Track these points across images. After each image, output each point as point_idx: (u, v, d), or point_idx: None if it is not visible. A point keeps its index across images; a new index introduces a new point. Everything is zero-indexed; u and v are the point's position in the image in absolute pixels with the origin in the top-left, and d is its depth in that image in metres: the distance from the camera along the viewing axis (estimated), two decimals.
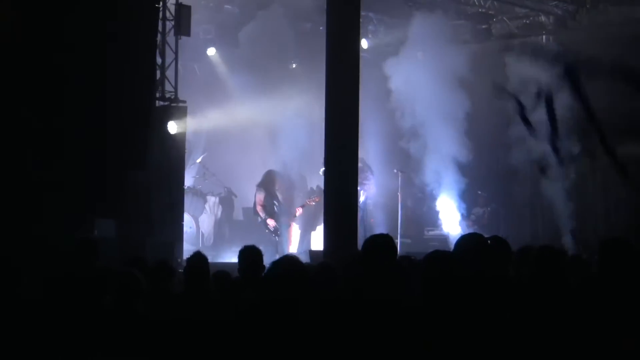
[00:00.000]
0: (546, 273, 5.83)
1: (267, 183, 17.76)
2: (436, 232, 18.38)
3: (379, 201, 18.54)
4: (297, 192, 18.63)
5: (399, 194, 18.21)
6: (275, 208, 17.80)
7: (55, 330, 5.49)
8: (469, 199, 18.16)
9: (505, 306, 5.11)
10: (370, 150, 18.25)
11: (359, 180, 16.21)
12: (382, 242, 5.44)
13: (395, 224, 17.96)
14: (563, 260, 6.11)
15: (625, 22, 17.84)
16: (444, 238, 17.38)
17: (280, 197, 18.01)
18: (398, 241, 17.51)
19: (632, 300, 5.41)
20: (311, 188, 18.90)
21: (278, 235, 17.62)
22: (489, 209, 18.50)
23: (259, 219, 17.74)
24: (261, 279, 4.81)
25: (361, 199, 16.48)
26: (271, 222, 17.60)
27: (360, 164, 16.54)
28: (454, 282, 4.79)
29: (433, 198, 18.28)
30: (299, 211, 18.09)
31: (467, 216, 18.04)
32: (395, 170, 18.30)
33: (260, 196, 17.61)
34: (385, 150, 18.62)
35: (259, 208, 17.65)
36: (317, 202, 17.30)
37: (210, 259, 7.26)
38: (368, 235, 16.07)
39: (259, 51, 17.67)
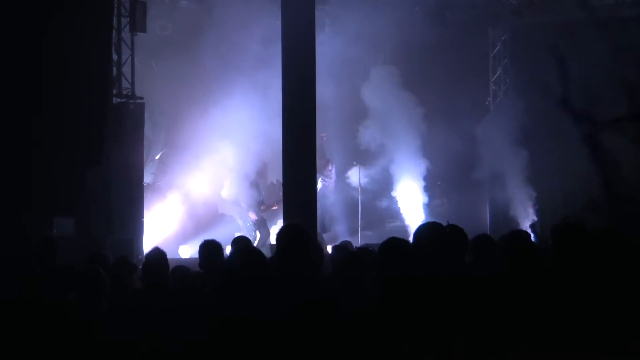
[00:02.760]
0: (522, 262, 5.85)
1: (258, 175, 17.57)
2: (397, 223, 18.41)
3: (340, 194, 18.51)
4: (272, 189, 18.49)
5: (359, 187, 18.21)
6: (260, 201, 17.60)
7: (19, 328, 5.49)
8: (428, 190, 18.22)
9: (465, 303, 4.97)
10: (332, 143, 18.30)
11: (322, 172, 16.70)
12: (290, 232, 5.67)
13: (355, 217, 18.09)
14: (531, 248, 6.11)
15: (580, 9, 18.01)
16: (404, 229, 17.42)
17: (263, 192, 17.84)
18: (359, 233, 17.81)
19: (586, 286, 5.35)
20: (271, 182, 18.76)
21: (256, 229, 17.31)
22: (446, 200, 18.58)
23: (239, 209, 17.49)
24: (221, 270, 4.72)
25: (318, 185, 16.42)
26: (252, 216, 17.37)
27: (324, 159, 16.98)
28: (412, 280, 4.83)
29: (392, 191, 18.29)
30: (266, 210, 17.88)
31: (427, 207, 18.15)
32: (354, 163, 18.33)
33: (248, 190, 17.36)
34: (345, 143, 18.61)
35: (241, 198, 17.44)
36: (277, 195, 17.12)
37: (171, 255, 7.40)
38: (327, 227, 16.45)
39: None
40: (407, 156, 17.84)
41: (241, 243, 8.00)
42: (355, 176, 18.44)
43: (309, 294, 5.04)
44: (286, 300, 4.82)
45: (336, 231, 17.78)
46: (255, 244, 15.66)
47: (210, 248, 7.23)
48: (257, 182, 17.68)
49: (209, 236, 7.87)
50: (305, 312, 4.69)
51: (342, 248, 9.03)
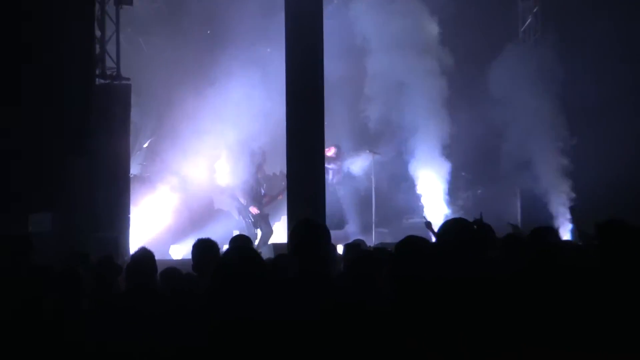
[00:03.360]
0: (541, 259, 5.98)
1: (258, 164, 17.18)
2: (416, 219, 17.51)
3: (349, 186, 18.18)
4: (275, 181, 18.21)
5: (372, 177, 17.60)
6: (262, 194, 17.25)
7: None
8: (452, 181, 17.63)
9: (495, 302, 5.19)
10: (340, 129, 18.03)
11: (333, 161, 16.51)
12: (307, 229, 5.57)
13: (369, 212, 17.55)
14: (556, 244, 6.33)
15: None
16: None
17: (264, 183, 17.48)
18: (372, 231, 17.31)
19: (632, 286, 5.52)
20: (274, 174, 18.44)
21: (258, 226, 17.02)
22: (478, 191, 18.11)
23: (237, 204, 17.18)
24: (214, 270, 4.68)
25: (328, 176, 16.11)
26: (254, 210, 17.08)
27: (334, 150, 16.81)
28: (429, 283, 4.88)
29: (412, 181, 17.68)
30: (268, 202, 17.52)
31: (450, 200, 17.62)
32: (367, 151, 17.70)
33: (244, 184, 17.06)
34: (353, 127, 18.29)
35: (239, 192, 17.17)
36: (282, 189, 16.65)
37: (158, 256, 7.21)
38: (343, 223, 16.03)
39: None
40: (425, 137, 17.31)
41: (240, 243, 7.96)
42: (360, 165, 18.02)
43: (320, 295, 5.13)
44: (294, 302, 4.88)
45: (346, 229, 17.37)
46: (255, 243, 15.77)
47: (204, 248, 7.13)
48: (257, 171, 17.38)
49: (203, 234, 7.82)
50: (314, 314, 4.75)
51: (355, 247, 9.02)
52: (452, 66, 17.41)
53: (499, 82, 17.52)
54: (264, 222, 17.28)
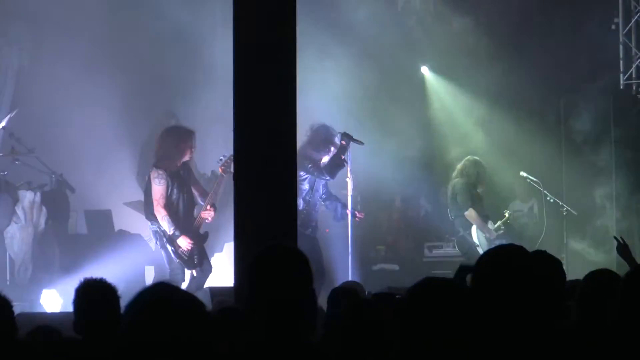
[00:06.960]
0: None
1: (178, 156, 14.34)
2: (448, 249, 16.60)
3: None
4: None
5: (348, 179, 15.20)
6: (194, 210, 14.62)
7: None
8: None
9: None
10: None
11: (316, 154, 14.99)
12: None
13: (367, 237, 16.75)
14: None
15: None
16: (466, 258, 14.70)
17: (197, 190, 14.76)
18: (371, 267, 16.88)
19: None
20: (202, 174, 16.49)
21: (196, 266, 14.45)
22: (535, 202, 16.72)
23: (156, 231, 14.48)
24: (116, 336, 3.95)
25: (304, 187, 14.35)
26: (184, 243, 14.36)
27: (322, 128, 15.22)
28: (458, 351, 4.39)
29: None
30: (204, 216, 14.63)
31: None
32: (338, 134, 15.22)
33: (162, 187, 14.20)
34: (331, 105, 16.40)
35: (158, 210, 14.31)
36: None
37: (24, 307, 8.18)
38: (318, 257, 15.29)
39: None
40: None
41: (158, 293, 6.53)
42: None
43: None
44: None
45: (330, 266, 15.44)
46: (183, 286, 13.73)
47: (94, 295, 6.69)
48: (181, 172, 14.57)
49: (95, 271, 7.31)
50: None
51: (347, 294, 8.70)
52: None
53: None
54: (200, 256, 14.66)
